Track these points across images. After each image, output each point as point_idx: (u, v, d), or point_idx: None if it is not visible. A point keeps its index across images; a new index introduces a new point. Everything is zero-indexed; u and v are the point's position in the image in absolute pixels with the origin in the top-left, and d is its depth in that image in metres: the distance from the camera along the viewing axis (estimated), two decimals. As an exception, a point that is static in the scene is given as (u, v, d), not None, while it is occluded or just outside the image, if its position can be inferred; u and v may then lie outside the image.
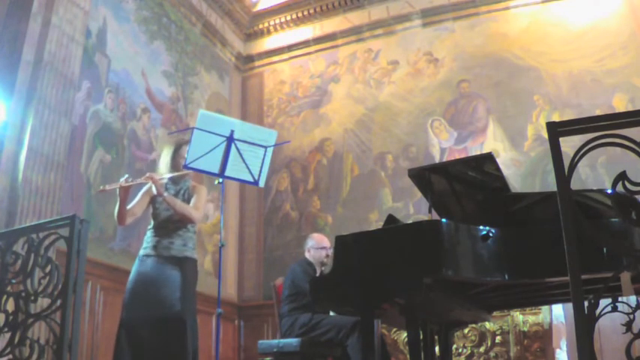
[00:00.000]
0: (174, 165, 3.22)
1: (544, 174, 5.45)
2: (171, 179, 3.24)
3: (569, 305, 3.00)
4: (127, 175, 3.08)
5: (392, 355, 4.65)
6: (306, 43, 7.03)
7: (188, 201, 3.21)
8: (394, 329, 4.87)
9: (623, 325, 1.64)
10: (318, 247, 4.06)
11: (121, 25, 5.35)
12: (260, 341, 3.88)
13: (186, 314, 2.95)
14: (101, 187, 3.07)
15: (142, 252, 3.15)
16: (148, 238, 3.17)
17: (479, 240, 2.54)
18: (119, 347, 2.94)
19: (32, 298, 2.46)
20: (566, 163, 1.65)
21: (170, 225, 3.15)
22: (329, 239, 4.11)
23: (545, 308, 4.42)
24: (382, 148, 6.29)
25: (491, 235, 2.55)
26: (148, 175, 3.10)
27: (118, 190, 3.04)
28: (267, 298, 5.92)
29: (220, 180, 3.17)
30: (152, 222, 3.21)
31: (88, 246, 2.55)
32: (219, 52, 6.93)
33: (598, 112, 5.22)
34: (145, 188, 3.23)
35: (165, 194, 3.09)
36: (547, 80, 5.75)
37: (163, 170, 3.25)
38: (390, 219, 3.11)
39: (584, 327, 1.53)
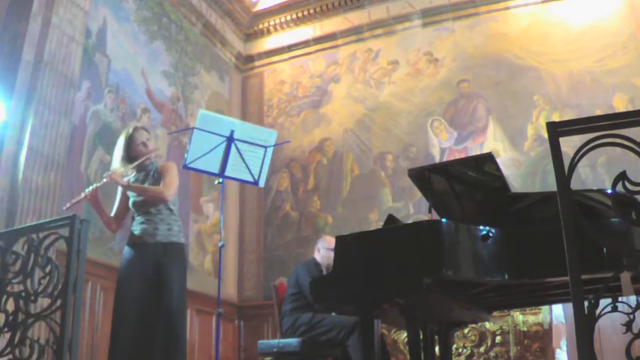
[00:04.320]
0: (130, 155, 3.15)
1: (544, 174, 5.45)
2: (135, 168, 3.17)
3: (569, 305, 3.01)
4: (91, 186, 3.05)
5: (392, 355, 4.65)
6: (306, 43, 7.02)
7: (158, 181, 3.13)
8: (394, 329, 4.87)
9: (623, 325, 1.64)
10: (328, 248, 4.03)
11: (121, 25, 5.35)
12: (260, 341, 3.88)
13: (173, 305, 2.91)
14: (67, 205, 3.03)
15: (128, 240, 3.11)
16: (133, 226, 3.13)
17: (479, 240, 2.54)
18: (114, 339, 2.93)
19: (32, 298, 2.46)
20: (566, 163, 1.65)
21: (147, 208, 3.08)
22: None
23: (545, 308, 4.42)
24: (382, 148, 6.28)
25: (491, 235, 2.55)
26: (106, 174, 3.06)
27: (87, 200, 3.01)
28: (267, 298, 5.92)
29: (220, 180, 3.17)
30: (133, 211, 3.17)
31: (88, 246, 2.55)
32: (219, 52, 6.92)
33: (598, 112, 5.22)
34: (120, 187, 3.18)
35: (125, 180, 3.04)
36: (547, 80, 5.75)
37: (116, 164, 3.18)
38: (390, 219, 3.10)
39: (584, 327, 1.53)
